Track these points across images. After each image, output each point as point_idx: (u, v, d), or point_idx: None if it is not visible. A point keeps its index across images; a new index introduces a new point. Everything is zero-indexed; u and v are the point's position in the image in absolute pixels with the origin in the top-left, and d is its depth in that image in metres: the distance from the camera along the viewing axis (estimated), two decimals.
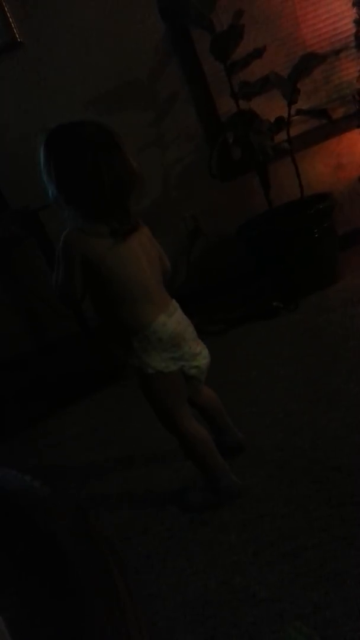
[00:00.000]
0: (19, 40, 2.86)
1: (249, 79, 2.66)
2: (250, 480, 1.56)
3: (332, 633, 1.05)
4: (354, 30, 2.70)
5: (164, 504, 1.62)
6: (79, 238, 1.36)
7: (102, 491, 1.81)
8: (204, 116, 2.98)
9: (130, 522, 1.60)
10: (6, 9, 2.81)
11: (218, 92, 2.89)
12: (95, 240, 1.36)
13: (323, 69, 2.79)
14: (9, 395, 2.61)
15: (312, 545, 1.26)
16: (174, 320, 1.43)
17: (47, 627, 0.54)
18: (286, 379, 2.03)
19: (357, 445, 1.52)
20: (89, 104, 2.96)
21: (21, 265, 3.18)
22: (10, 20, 2.82)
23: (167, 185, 3.11)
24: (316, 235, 2.64)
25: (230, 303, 2.95)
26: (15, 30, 2.84)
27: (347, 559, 1.19)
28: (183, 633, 1.18)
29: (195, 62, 2.89)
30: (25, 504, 0.63)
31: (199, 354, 1.51)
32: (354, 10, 2.66)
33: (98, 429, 2.24)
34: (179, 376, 1.47)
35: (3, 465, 0.76)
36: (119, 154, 1.37)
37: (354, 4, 2.66)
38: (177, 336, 1.43)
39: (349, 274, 2.74)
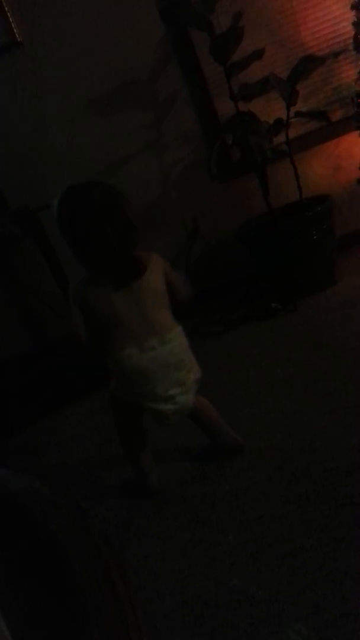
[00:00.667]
0: (18, 40, 2.86)
1: (248, 80, 2.66)
2: (249, 481, 1.56)
3: (331, 634, 1.05)
4: (352, 33, 2.71)
5: (163, 505, 1.62)
6: (79, 291, 1.58)
7: (101, 491, 1.81)
8: (203, 117, 2.99)
9: (129, 522, 1.60)
10: (6, 8, 2.81)
11: (217, 93, 2.89)
12: (95, 290, 1.56)
13: (322, 71, 2.79)
14: (8, 395, 2.61)
15: (311, 546, 1.26)
16: (149, 356, 1.51)
17: (47, 627, 0.54)
18: (285, 380, 2.03)
19: (355, 447, 1.53)
20: (89, 105, 2.96)
21: (20, 264, 3.18)
22: (11, 20, 2.83)
23: (166, 187, 3.11)
24: (315, 237, 2.64)
25: (229, 304, 2.95)
26: (15, 30, 2.84)
27: (346, 560, 1.19)
28: (181, 634, 1.18)
29: (195, 64, 2.90)
30: (24, 504, 0.63)
31: (168, 400, 1.54)
32: (353, 13, 2.67)
33: (97, 428, 2.24)
34: (133, 408, 1.59)
35: (3, 464, 0.76)
36: (122, 216, 1.52)
37: (352, 7, 2.66)
38: (141, 374, 1.51)
39: (347, 275, 2.75)
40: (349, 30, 2.77)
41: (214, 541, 1.40)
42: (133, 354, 1.51)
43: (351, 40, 2.74)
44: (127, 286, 1.53)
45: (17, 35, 2.85)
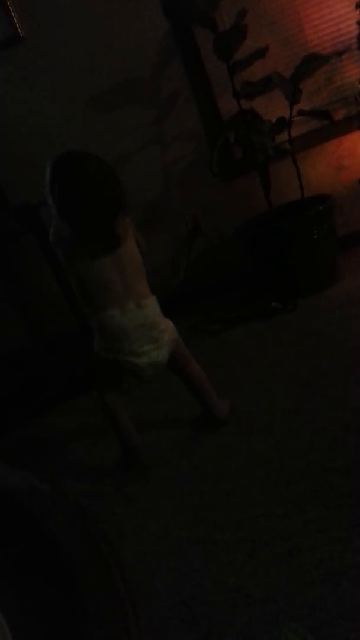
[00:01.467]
0: (21, 35, 2.85)
1: (251, 78, 2.65)
2: (247, 480, 1.56)
3: (327, 634, 1.05)
4: (357, 32, 2.70)
5: (159, 502, 1.62)
6: (68, 253, 1.75)
7: (98, 489, 1.81)
8: (205, 115, 2.98)
9: (126, 519, 1.60)
10: (9, 3, 2.80)
11: (220, 91, 2.89)
12: (77, 253, 1.71)
13: (325, 70, 2.79)
14: (7, 392, 2.60)
15: (308, 546, 1.26)
16: (128, 317, 1.71)
17: (46, 625, 0.53)
18: (284, 379, 2.03)
19: (354, 447, 1.53)
20: (91, 101, 2.96)
21: (20, 261, 3.17)
22: (13, 14, 2.82)
23: (168, 184, 3.10)
24: (316, 237, 2.64)
25: (228, 302, 2.95)
26: (17, 24, 2.83)
27: (343, 560, 1.19)
28: (177, 632, 1.18)
29: (198, 61, 2.89)
30: (23, 501, 0.63)
31: (142, 355, 1.73)
32: (358, 12, 2.66)
33: (95, 426, 2.24)
34: (112, 365, 1.75)
35: (1, 461, 0.75)
36: (111, 188, 1.66)
37: (357, 6, 2.65)
38: (121, 331, 1.71)
39: (348, 275, 2.75)
40: (353, 29, 2.76)
41: (210, 540, 1.40)
42: (115, 314, 1.70)
43: (355, 40, 2.73)
44: (112, 253, 1.69)
45: (19, 30, 2.84)
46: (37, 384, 2.64)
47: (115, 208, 1.68)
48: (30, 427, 2.46)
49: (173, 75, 2.92)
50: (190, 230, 3.14)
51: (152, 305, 1.76)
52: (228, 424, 1.88)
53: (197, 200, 3.08)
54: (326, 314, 2.44)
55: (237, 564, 1.29)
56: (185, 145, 3.03)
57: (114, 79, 2.93)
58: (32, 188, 2.88)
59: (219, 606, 1.20)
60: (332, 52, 2.78)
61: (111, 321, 1.71)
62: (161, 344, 1.75)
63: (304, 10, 2.84)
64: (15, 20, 2.82)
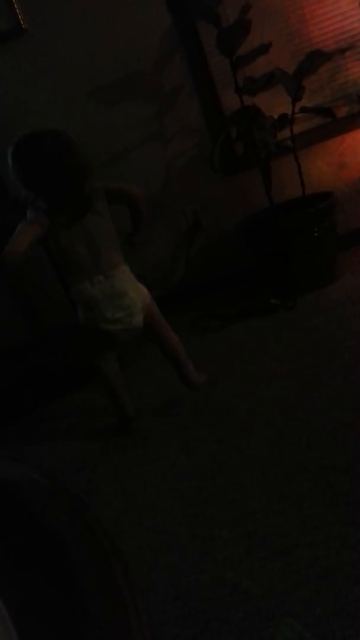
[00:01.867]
0: (24, 27, 2.83)
1: (254, 74, 2.64)
2: (244, 476, 1.56)
3: (323, 630, 1.05)
4: None
5: (157, 497, 1.62)
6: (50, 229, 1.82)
7: (97, 482, 1.81)
8: (207, 110, 2.97)
9: (123, 514, 1.60)
10: None
11: (222, 86, 2.88)
12: (52, 228, 1.80)
13: (328, 67, 2.77)
14: (6, 385, 2.60)
15: (305, 543, 1.27)
16: (97, 289, 1.82)
17: (47, 621, 0.53)
18: (282, 377, 2.03)
19: (352, 445, 1.53)
20: (93, 94, 2.94)
21: None
22: (16, 6, 2.80)
23: (168, 179, 3.10)
24: (316, 234, 2.63)
25: (228, 299, 2.95)
26: (20, 16, 2.82)
27: (339, 557, 1.20)
28: (174, 627, 1.18)
29: (201, 56, 2.88)
30: (23, 495, 0.63)
31: (116, 322, 1.84)
32: None
33: (94, 419, 2.24)
34: (97, 330, 1.86)
35: (1, 455, 0.75)
36: (70, 158, 1.78)
37: None
38: (92, 301, 1.82)
39: (348, 273, 2.75)
40: (357, 26, 2.76)
41: (208, 535, 1.40)
42: (86, 287, 1.82)
43: (359, 37, 2.72)
44: (80, 222, 1.81)
45: (22, 22, 2.82)
46: (37, 377, 2.64)
47: (76, 176, 1.79)
48: (29, 420, 2.46)
49: (175, 70, 2.91)
50: (191, 226, 3.13)
51: (120, 274, 1.84)
52: (200, 389, 2.04)
53: (197, 195, 3.08)
54: (326, 311, 2.44)
55: (234, 560, 1.29)
56: (187, 141, 3.02)
57: (116, 73, 2.92)
58: None
59: (216, 602, 1.20)
60: (335, 49, 2.77)
61: (82, 294, 1.83)
62: (132, 310, 1.84)
63: (308, 7, 2.82)
64: (18, 12, 2.81)
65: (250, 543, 1.32)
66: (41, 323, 3.28)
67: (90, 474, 1.87)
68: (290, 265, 2.69)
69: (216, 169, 2.74)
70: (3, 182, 2.84)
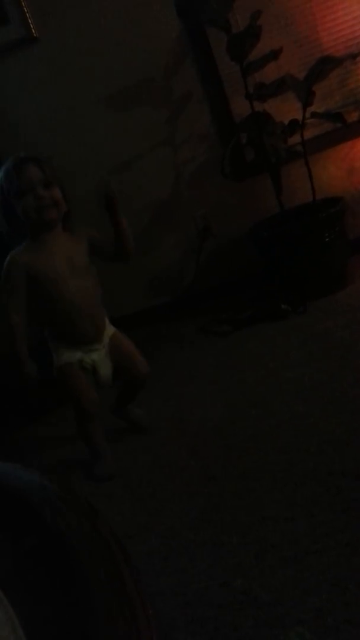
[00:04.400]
0: (35, 35, 2.86)
1: (264, 80, 2.65)
2: (254, 482, 1.55)
3: (334, 639, 1.04)
4: None
5: (166, 503, 1.62)
6: None
7: (104, 488, 1.81)
8: (217, 116, 2.98)
9: (131, 519, 1.60)
10: (23, 4, 2.82)
11: (232, 92, 2.88)
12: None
13: (339, 72, 2.77)
14: (10, 391, 2.60)
15: (315, 550, 1.26)
16: None
17: (56, 624, 0.53)
18: (292, 382, 2.02)
19: None
20: (103, 101, 2.96)
21: None
22: (27, 15, 2.83)
23: (179, 184, 3.10)
24: (327, 239, 2.63)
25: (238, 304, 2.94)
26: (31, 25, 2.84)
27: (350, 564, 1.19)
28: (182, 634, 1.17)
29: (211, 62, 2.89)
30: (32, 500, 0.63)
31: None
32: None
33: (104, 425, 2.24)
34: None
35: (10, 459, 0.76)
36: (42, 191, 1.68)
37: None
38: None
39: (358, 278, 2.73)
40: None
41: (217, 541, 1.39)
42: None
43: None
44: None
45: (33, 31, 2.85)
46: (41, 383, 2.64)
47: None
48: (34, 426, 2.47)
49: (185, 76, 2.92)
50: (200, 231, 3.13)
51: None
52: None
53: (207, 201, 3.08)
54: (336, 317, 2.43)
55: (243, 567, 1.28)
56: (197, 146, 3.03)
57: (126, 80, 2.94)
58: None
59: (225, 608, 1.19)
60: (346, 54, 2.77)
61: None
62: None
63: (319, 12, 2.83)
64: (30, 21, 2.83)
65: (260, 549, 1.31)
66: (40, 329, 3.28)
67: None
68: (301, 270, 2.69)
69: (226, 174, 2.75)
70: None
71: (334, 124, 2.76)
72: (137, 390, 1.97)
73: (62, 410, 2.51)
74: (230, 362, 2.39)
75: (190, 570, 1.33)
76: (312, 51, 2.83)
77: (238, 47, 2.53)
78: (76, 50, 2.90)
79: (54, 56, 2.91)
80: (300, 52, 2.86)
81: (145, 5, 2.82)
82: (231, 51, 2.55)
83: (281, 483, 1.51)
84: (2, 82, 2.97)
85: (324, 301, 2.63)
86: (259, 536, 1.35)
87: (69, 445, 2.18)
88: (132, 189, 3.05)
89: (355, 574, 1.16)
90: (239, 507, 1.48)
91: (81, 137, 3.00)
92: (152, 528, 1.53)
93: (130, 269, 3.15)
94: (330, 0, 2.81)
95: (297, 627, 1.09)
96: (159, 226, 3.13)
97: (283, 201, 2.75)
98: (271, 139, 2.62)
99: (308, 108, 2.57)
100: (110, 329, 1.90)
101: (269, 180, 2.76)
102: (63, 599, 0.55)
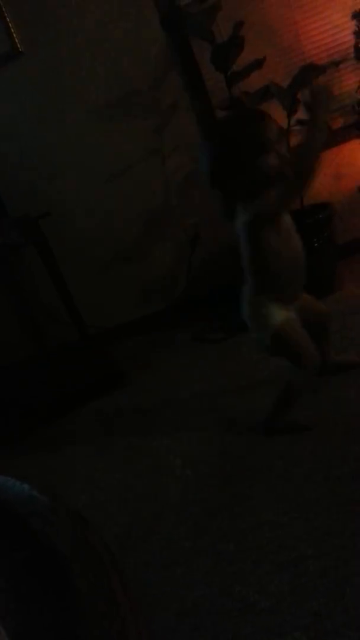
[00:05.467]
0: (20, 49, 2.87)
1: (249, 89, 2.67)
2: (249, 489, 1.55)
3: None
4: (353, 42, 2.72)
5: (163, 512, 1.61)
6: None
7: (102, 498, 1.80)
8: (204, 126, 2.99)
9: (129, 529, 1.59)
10: (7, 18, 2.83)
11: (218, 102, 2.90)
12: None
13: (323, 79, 2.80)
14: (7, 402, 2.60)
15: (312, 554, 1.26)
16: None
17: (50, 629, 0.53)
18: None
19: (358, 454, 1.52)
20: (90, 113, 2.98)
21: (21, 272, 3.18)
22: (12, 29, 2.84)
23: (167, 194, 3.12)
24: (315, 245, 2.64)
25: (229, 311, 2.94)
26: (16, 39, 2.86)
27: (347, 568, 1.19)
28: None
29: (196, 72, 2.91)
30: (23, 512, 0.63)
31: None
32: (354, 22, 2.68)
33: (97, 436, 2.24)
34: None
35: (2, 472, 0.75)
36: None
37: (353, 17, 2.67)
38: None
39: (347, 283, 2.75)
40: (350, 39, 2.78)
41: (215, 549, 1.39)
42: None
43: (352, 49, 2.75)
44: None
45: (18, 45, 2.86)
46: (38, 395, 2.64)
47: None
48: (31, 437, 2.46)
49: (171, 86, 2.94)
50: (190, 240, 3.14)
51: None
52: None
53: (196, 209, 3.09)
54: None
55: (241, 574, 1.28)
56: (184, 156, 3.05)
57: (113, 91, 2.95)
58: (32, 200, 2.92)
59: (224, 616, 1.19)
60: (329, 62, 2.80)
61: None
62: None
63: (301, 21, 2.86)
64: (14, 36, 2.85)
65: (257, 556, 1.32)
66: (42, 340, 3.29)
67: (95, 490, 1.87)
68: None
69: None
70: (2, 201, 2.87)
71: None
72: (328, 330, 2.01)
73: (59, 421, 2.51)
74: (222, 369, 2.39)
75: (188, 578, 1.34)
76: (296, 59, 2.86)
77: (222, 57, 2.55)
78: (62, 63, 2.91)
79: (40, 70, 2.92)
80: (284, 61, 2.89)
81: (129, 18, 2.84)
82: (215, 61, 2.57)
83: (277, 489, 1.51)
84: None
85: None
86: (256, 543, 1.36)
87: (71, 454, 2.18)
88: (121, 199, 3.06)
89: (354, 577, 1.16)
90: (235, 514, 1.48)
91: (69, 149, 3.01)
92: (149, 538, 1.53)
93: (123, 279, 3.16)
94: (313, 9, 2.84)
95: (296, 633, 1.09)
96: (149, 235, 3.13)
97: None
98: None
99: (293, 115, 2.59)
100: None
101: None
102: (55, 606, 0.55)
